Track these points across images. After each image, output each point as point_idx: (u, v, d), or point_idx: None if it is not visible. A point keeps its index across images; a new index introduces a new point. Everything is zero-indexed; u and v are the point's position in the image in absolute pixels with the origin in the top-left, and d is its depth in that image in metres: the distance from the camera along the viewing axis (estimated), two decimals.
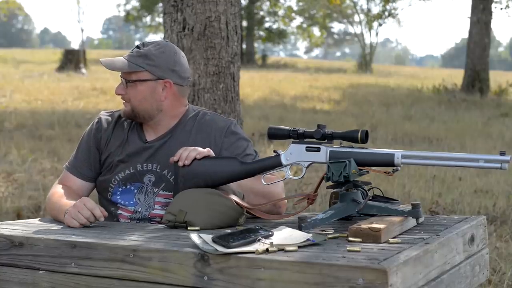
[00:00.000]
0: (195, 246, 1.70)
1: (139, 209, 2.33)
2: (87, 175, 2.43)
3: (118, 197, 2.36)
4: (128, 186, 2.35)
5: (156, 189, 2.33)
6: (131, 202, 2.34)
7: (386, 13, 32.74)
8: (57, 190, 2.37)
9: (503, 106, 13.76)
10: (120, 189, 2.36)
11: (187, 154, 2.16)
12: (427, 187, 5.58)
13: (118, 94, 2.35)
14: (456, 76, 20.36)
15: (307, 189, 5.21)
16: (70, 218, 2.11)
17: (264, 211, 2.18)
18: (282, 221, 2.09)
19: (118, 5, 76.71)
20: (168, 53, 2.33)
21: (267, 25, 35.55)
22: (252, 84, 16.22)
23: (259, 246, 1.66)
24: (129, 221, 2.33)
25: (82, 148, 2.46)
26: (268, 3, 33.73)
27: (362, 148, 2.00)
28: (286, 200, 2.29)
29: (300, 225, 1.83)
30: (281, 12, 34.64)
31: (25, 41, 78.25)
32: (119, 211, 2.36)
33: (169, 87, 2.33)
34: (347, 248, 1.63)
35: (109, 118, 2.46)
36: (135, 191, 2.34)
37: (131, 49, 2.38)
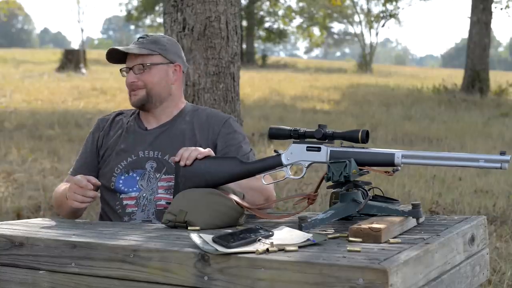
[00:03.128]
0: (195, 246, 1.69)
1: (144, 194, 2.39)
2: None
3: (121, 184, 2.42)
4: (130, 174, 2.42)
5: (159, 174, 2.40)
6: (134, 188, 2.41)
7: (387, 14, 32.70)
8: (60, 187, 2.47)
9: (503, 106, 13.77)
10: (123, 177, 2.43)
11: (189, 154, 2.17)
12: (427, 187, 5.58)
13: (132, 82, 2.43)
14: (456, 76, 20.37)
15: (307, 189, 5.21)
16: (71, 201, 2.25)
17: (256, 206, 2.17)
18: (282, 221, 2.09)
19: (120, 4, 76.68)
20: (174, 42, 2.55)
21: (267, 25, 35.55)
22: (252, 84, 16.22)
23: (259, 246, 1.65)
24: (136, 208, 2.38)
25: (82, 151, 2.58)
26: (268, 3, 33.71)
27: (363, 148, 2.00)
28: (274, 194, 2.37)
29: (300, 225, 1.83)
30: (281, 12, 34.63)
31: (25, 41, 78.20)
32: (125, 202, 2.41)
33: (179, 71, 2.51)
34: (348, 248, 1.62)
35: (107, 117, 2.61)
36: (138, 178, 2.41)
37: (135, 41, 2.51)
